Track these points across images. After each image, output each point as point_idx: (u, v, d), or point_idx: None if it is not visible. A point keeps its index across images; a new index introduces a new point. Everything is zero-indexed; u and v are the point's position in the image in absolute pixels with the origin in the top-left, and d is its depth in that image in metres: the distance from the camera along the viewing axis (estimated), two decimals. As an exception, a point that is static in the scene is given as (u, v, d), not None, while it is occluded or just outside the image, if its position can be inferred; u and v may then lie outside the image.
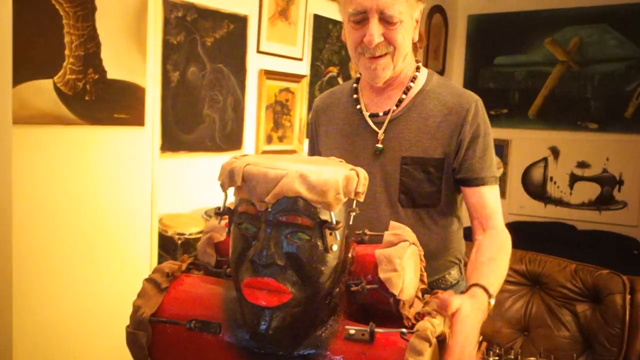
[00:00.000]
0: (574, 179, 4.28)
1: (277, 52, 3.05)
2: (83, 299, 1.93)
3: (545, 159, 4.36)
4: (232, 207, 0.94)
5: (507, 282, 2.37)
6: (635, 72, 4.02)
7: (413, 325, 0.96)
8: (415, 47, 1.42)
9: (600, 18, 4.09)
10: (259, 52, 2.94)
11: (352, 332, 0.92)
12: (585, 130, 4.21)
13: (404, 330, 0.89)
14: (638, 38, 3.99)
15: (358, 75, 1.49)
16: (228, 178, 0.89)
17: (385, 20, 1.29)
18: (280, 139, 3.13)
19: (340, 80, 3.48)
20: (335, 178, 0.86)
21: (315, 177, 0.84)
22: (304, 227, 0.87)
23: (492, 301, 1.11)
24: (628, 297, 2.00)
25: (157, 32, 2.12)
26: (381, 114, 1.39)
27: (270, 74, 3.00)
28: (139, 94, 2.09)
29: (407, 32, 1.32)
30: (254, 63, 2.93)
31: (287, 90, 3.14)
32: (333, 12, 3.36)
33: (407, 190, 1.33)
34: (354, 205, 0.97)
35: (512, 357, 2.03)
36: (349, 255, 1.01)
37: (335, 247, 0.90)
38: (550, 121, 4.34)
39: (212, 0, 2.68)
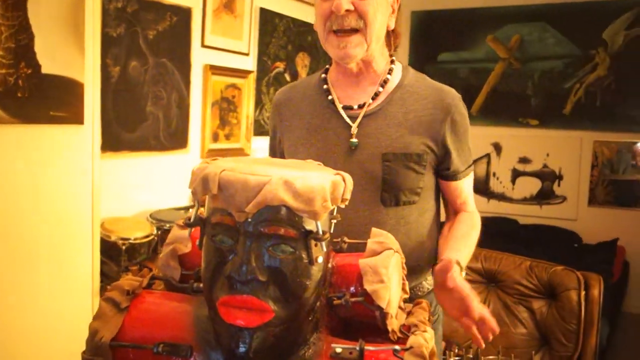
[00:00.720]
0: (515, 174, 4.38)
1: (223, 46, 2.93)
2: (19, 309, 1.78)
3: (488, 155, 4.43)
4: (202, 216, 0.84)
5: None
6: (573, 70, 4.14)
7: (399, 339, 0.90)
8: (389, 39, 1.34)
9: (540, 16, 4.19)
10: (203, 46, 2.81)
11: (338, 350, 0.84)
12: (526, 126, 4.31)
13: (396, 347, 0.82)
14: (575, 36, 4.11)
15: (327, 66, 1.41)
16: (201, 185, 0.79)
17: None
18: (227, 137, 3.02)
19: (287, 76, 3.39)
20: (322, 184, 0.78)
21: (301, 184, 0.76)
22: (287, 239, 0.78)
23: (464, 274, 1.16)
24: (583, 292, 2.02)
25: (96, 24, 1.97)
26: (355, 107, 1.30)
27: (215, 69, 2.88)
28: (77, 90, 1.94)
29: (380, 10, 1.23)
30: (199, 58, 2.80)
31: (234, 86, 3.03)
32: (280, 6, 3.27)
33: (390, 188, 1.25)
34: (334, 212, 0.89)
35: (472, 356, 2.01)
36: (329, 265, 0.93)
37: (320, 259, 0.82)
38: (493, 118, 4.42)
39: (154, -10, 2.54)
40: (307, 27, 3.48)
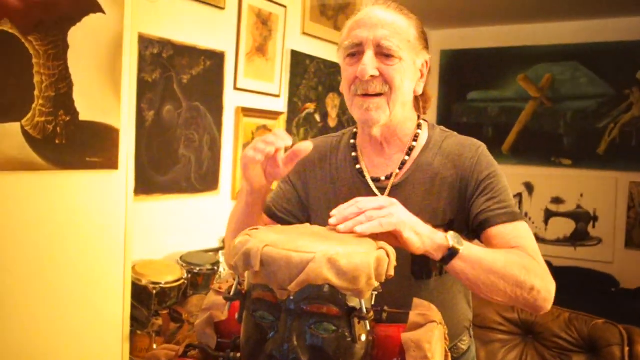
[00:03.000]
0: (548, 214, 4.28)
1: (254, 88, 2.95)
2: (51, 353, 1.77)
3: (519, 195, 4.35)
4: (242, 290, 0.82)
5: (499, 331, 2.30)
6: (606, 109, 4.07)
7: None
8: (417, 103, 1.31)
9: (572, 56, 4.15)
10: (235, 89, 2.84)
11: None
12: (559, 166, 4.23)
13: None
14: (608, 76, 4.06)
15: (354, 130, 1.38)
16: (243, 261, 0.77)
17: (382, 54, 1.18)
18: (257, 178, 3.01)
19: (317, 117, 3.40)
20: (367, 261, 0.76)
21: (346, 262, 0.74)
22: (330, 317, 0.76)
23: (451, 241, 1.02)
24: (627, 349, 1.94)
25: (132, 71, 2.00)
26: (383, 178, 1.27)
27: (247, 111, 2.90)
28: (113, 135, 1.96)
29: (407, 74, 1.20)
30: (231, 100, 2.82)
31: (264, 127, 3.04)
32: (310, 48, 3.30)
33: (420, 261, 1.20)
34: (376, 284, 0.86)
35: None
36: (370, 337, 0.90)
37: (363, 337, 0.80)
38: (524, 157, 4.36)
39: (189, 36, 2.58)
40: (337, 67, 3.47)
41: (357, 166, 1.30)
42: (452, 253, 1.02)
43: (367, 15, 1.22)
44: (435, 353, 0.87)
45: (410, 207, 1.21)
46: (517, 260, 1.07)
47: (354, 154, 1.32)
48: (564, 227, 4.22)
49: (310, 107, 3.34)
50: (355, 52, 1.21)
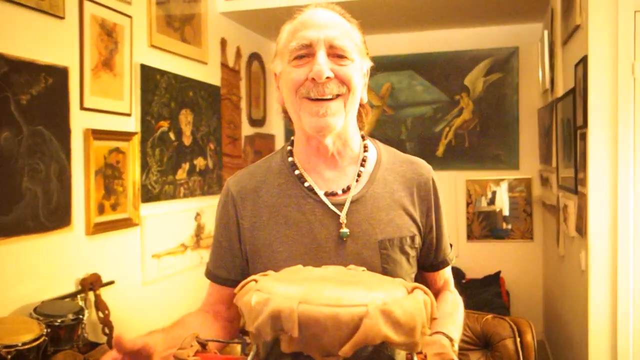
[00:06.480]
0: (398, 217, 4.46)
1: (103, 107, 2.63)
2: None
3: (370, 200, 4.47)
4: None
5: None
6: (441, 114, 4.37)
7: None
8: (360, 114, 1.23)
9: (408, 65, 4.39)
10: (82, 108, 2.50)
11: None
12: (404, 170, 4.43)
13: None
14: (440, 83, 4.36)
15: (289, 147, 1.24)
16: (270, 325, 0.60)
17: (335, 55, 1.08)
18: (114, 208, 2.69)
19: (171, 135, 3.14)
20: (419, 308, 0.64)
21: (401, 312, 0.61)
22: (382, 380, 0.63)
23: (456, 345, 1.06)
24: (518, 339, 2.03)
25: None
26: (339, 192, 1.16)
27: (97, 134, 2.57)
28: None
29: (359, 77, 1.12)
30: (79, 122, 2.48)
31: (117, 150, 2.72)
32: (159, 61, 3.04)
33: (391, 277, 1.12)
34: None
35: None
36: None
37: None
38: (371, 163, 4.49)
39: (26, 49, 2.20)
40: (188, 82, 3.28)
41: (306, 184, 1.16)
42: None
43: (314, 15, 1.10)
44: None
45: (374, 222, 1.12)
46: (460, 314, 1.22)
47: (297, 172, 1.18)
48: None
49: (164, 125, 3.08)
50: (304, 54, 1.08)
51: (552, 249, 3.67)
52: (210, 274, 1.24)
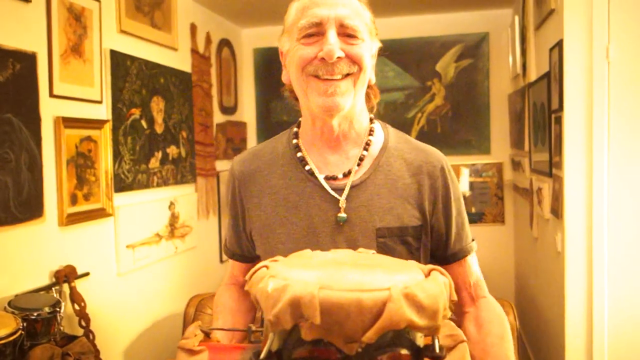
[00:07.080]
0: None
1: (73, 94, 2.54)
2: None
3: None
4: (271, 349, 0.63)
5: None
6: (413, 100, 4.39)
7: None
8: (368, 96, 1.20)
9: (379, 51, 4.37)
10: (52, 96, 2.41)
11: None
12: (378, 156, 4.44)
13: None
14: (412, 69, 4.37)
15: (295, 129, 1.22)
16: (290, 313, 0.58)
17: (346, 34, 1.06)
18: (86, 197, 2.62)
19: (143, 123, 3.07)
20: (440, 290, 0.63)
21: (424, 295, 0.60)
22: (403, 364, 0.62)
23: None
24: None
25: None
26: (340, 176, 1.14)
27: (68, 121, 2.49)
28: None
29: (369, 57, 1.10)
30: (49, 109, 2.39)
31: (89, 139, 2.65)
32: (129, 47, 2.96)
33: None
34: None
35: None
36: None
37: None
38: (345, 150, 4.48)
39: (-8, 34, 2.11)
40: (159, 69, 3.20)
41: (307, 167, 1.15)
42: None
43: None
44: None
45: (373, 210, 1.11)
46: (510, 334, 1.16)
47: (299, 154, 1.16)
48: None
49: (136, 112, 3.00)
50: (314, 33, 1.06)
51: (524, 232, 3.73)
52: (227, 251, 1.29)
